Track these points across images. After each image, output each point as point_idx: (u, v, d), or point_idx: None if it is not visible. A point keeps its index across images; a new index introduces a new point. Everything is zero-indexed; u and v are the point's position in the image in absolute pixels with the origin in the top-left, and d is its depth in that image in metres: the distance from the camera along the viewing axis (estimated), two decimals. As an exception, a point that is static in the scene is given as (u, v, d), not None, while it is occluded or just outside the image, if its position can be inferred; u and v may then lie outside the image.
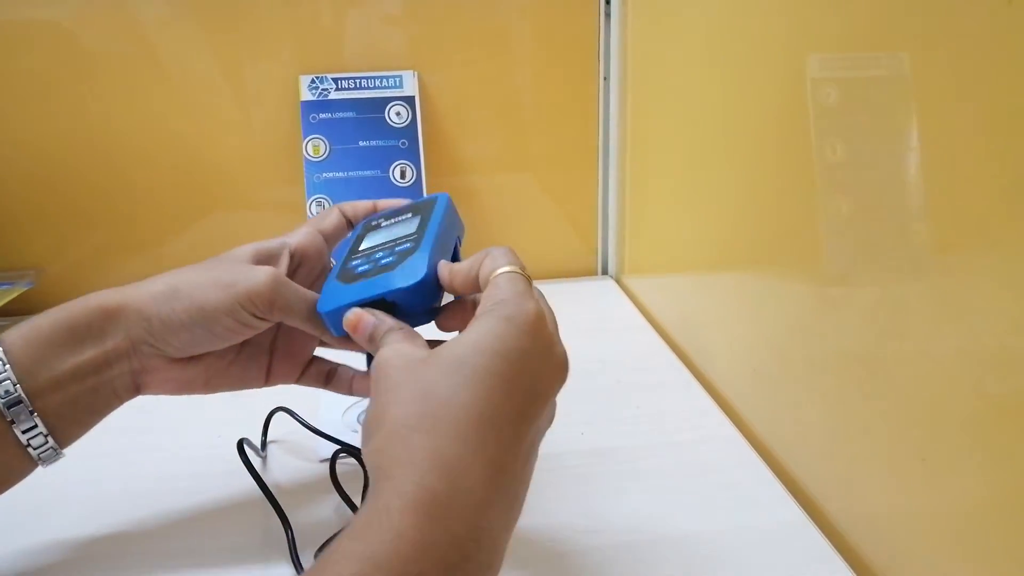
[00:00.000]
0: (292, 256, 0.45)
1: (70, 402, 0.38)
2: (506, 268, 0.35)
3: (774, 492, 0.48)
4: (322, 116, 0.83)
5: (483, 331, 0.32)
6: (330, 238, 0.48)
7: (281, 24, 0.81)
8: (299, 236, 0.46)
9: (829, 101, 0.44)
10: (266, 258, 0.43)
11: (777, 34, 0.49)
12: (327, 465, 0.50)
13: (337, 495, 0.47)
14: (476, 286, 0.37)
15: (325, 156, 0.83)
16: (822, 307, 0.46)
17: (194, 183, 0.85)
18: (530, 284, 0.35)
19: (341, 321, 0.38)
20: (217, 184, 0.85)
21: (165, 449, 0.55)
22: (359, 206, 0.49)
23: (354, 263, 0.42)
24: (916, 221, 0.37)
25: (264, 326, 0.41)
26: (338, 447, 0.51)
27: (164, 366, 0.41)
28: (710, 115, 0.62)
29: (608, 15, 0.84)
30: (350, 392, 0.47)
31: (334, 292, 0.40)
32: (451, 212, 0.45)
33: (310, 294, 0.42)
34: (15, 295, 0.74)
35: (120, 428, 0.46)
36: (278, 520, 0.45)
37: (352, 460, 0.51)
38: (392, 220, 0.45)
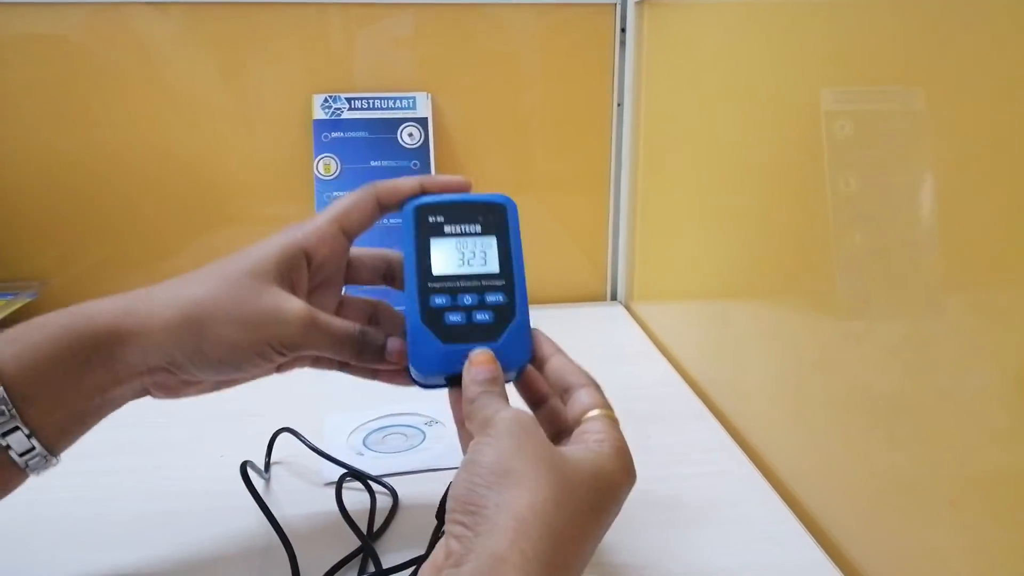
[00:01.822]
0: (308, 261, 0.40)
1: (71, 418, 0.37)
2: (599, 411, 0.37)
3: (792, 529, 0.47)
4: (334, 135, 0.83)
5: (615, 473, 0.34)
6: (355, 232, 0.42)
7: (295, 44, 0.81)
8: (316, 235, 0.40)
9: (843, 133, 0.43)
10: (288, 269, 0.39)
11: (792, 66, 0.49)
12: (332, 488, 0.49)
13: (342, 519, 0.46)
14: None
15: (336, 175, 0.82)
16: (842, 341, 0.45)
17: (202, 199, 0.84)
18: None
19: (432, 376, 0.39)
20: (226, 200, 0.85)
21: (167, 468, 0.54)
22: (402, 188, 0.41)
23: (438, 300, 0.39)
24: (932, 253, 0.36)
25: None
26: (344, 470, 0.50)
27: (181, 385, 0.39)
28: (724, 144, 0.61)
29: (623, 43, 0.84)
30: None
31: (426, 345, 0.38)
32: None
33: (340, 329, 0.40)
34: (18, 306, 0.73)
35: (121, 447, 0.45)
36: (280, 543, 0.43)
37: (357, 484, 0.50)
38: (460, 228, 0.40)
